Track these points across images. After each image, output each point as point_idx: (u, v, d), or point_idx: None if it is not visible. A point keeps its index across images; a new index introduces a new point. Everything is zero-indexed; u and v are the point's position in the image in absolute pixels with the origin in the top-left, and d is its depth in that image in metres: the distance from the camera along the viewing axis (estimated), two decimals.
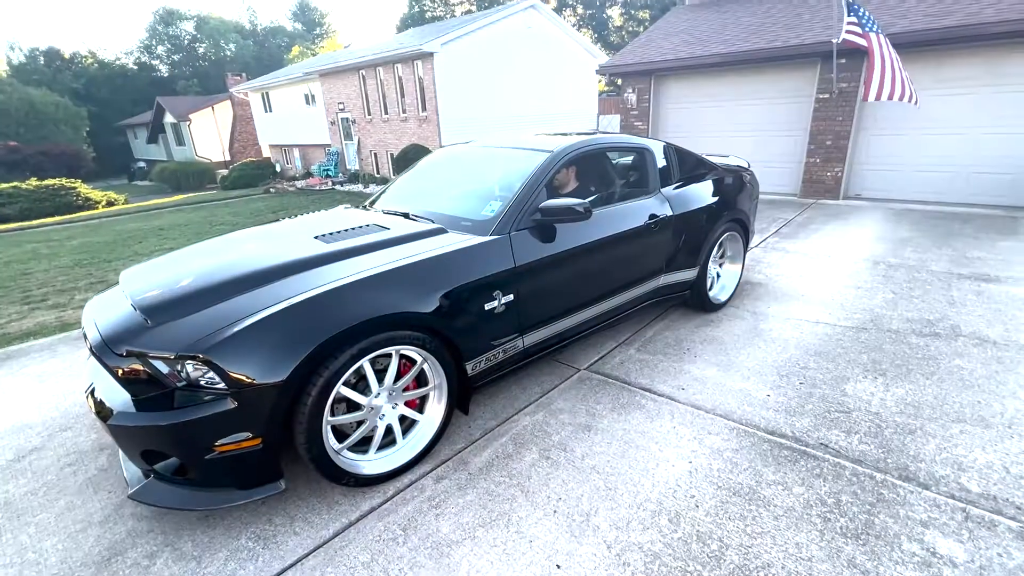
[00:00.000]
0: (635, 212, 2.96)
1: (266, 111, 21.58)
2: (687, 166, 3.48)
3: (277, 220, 3.03)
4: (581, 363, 3.04)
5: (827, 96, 7.49)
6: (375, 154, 16.36)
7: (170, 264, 2.30)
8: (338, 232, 2.40)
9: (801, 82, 7.84)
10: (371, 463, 2.01)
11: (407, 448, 2.12)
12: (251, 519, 1.89)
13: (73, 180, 15.54)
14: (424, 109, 13.93)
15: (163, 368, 1.71)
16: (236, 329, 1.71)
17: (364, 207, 3.13)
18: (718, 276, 3.81)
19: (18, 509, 2.00)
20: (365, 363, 1.91)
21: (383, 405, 2.04)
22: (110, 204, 15.98)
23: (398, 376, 2.06)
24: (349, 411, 1.97)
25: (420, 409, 2.19)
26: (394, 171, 14.31)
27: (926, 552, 1.64)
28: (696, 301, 3.58)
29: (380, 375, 2.01)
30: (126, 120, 33.78)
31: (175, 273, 2.12)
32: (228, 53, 45.37)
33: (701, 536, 1.74)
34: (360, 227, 2.48)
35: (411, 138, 14.49)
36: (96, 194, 15.59)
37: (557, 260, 2.51)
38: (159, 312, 1.82)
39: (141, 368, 1.73)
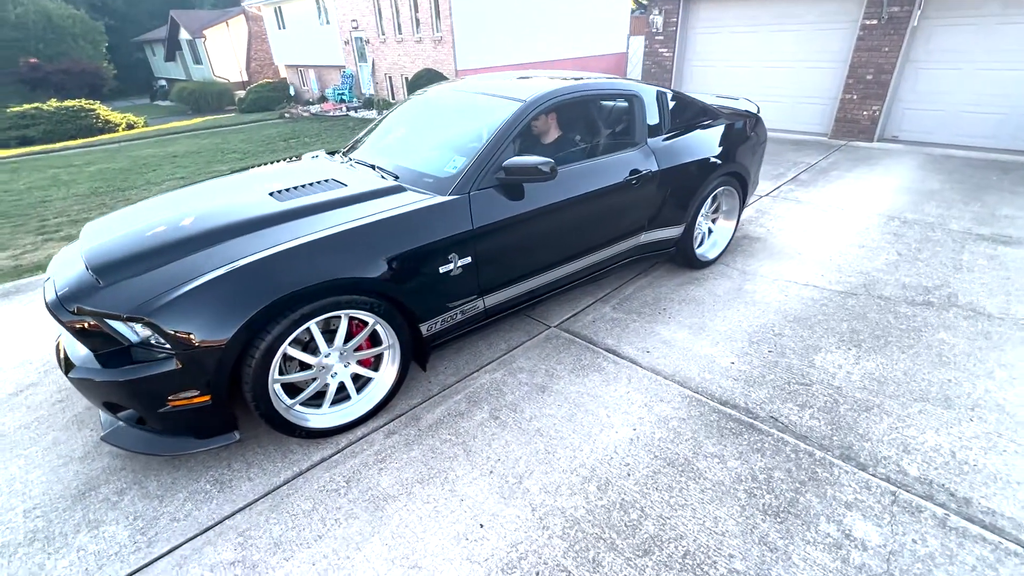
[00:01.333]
0: (615, 167, 2.81)
1: (279, 28, 20.67)
2: (683, 115, 3.24)
3: (287, 153, 2.98)
4: (553, 319, 3.05)
5: (875, 22, 6.70)
6: (390, 77, 15.71)
7: (127, 220, 2.32)
8: (294, 188, 2.37)
9: (849, 3, 7.00)
10: (320, 417, 2.11)
11: (360, 404, 2.22)
12: (213, 463, 2.05)
13: (92, 102, 15.51)
14: (438, 29, 13.10)
15: (116, 326, 1.78)
16: (178, 293, 1.75)
17: (341, 153, 3.05)
18: (709, 232, 3.67)
19: (12, 441, 2.21)
20: (312, 325, 1.95)
21: (334, 364, 2.11)
22: (130, 127, 16.02)
23: (350, 337, 2.11)
24: (301, 369, 2.05)
25: (375, 367, 2.26)
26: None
27: (840, 534, 1.68)
28: (682, 259, 3.48)
29: (331, 335, 2.07)
30: (143, 35, 32.88)
31: (130, 230, 2.14)
32: None
33: (624, 505, 1.81)
34: (316, 183, 2.43)
35: (425, 61, 13.78)
36: (116, 116, 15.60)
37: (522, 220, 2.43)
38: (109, 272, 1.87)
39: (96, 324, 1.81)
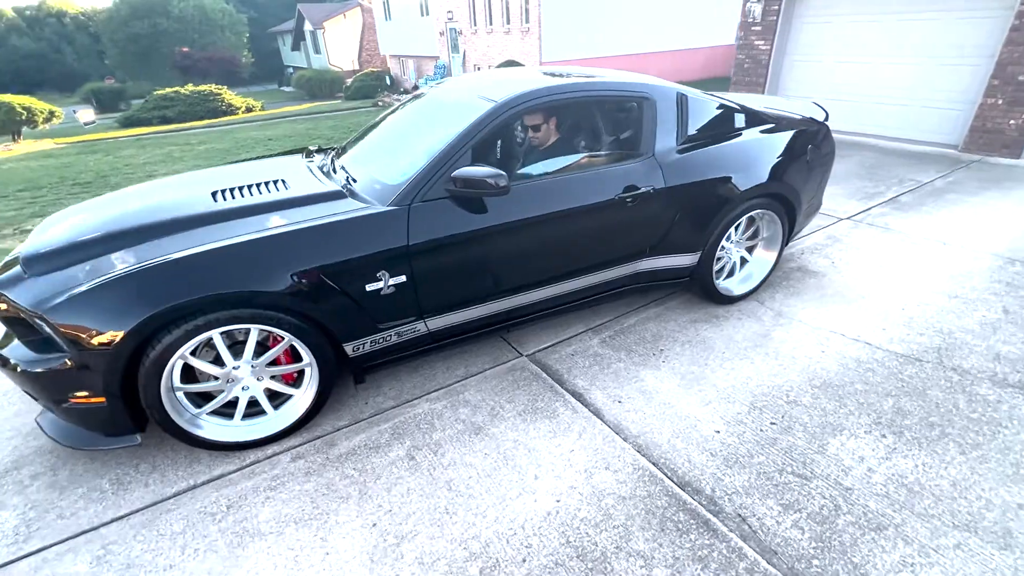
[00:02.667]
0: (605, 182, 2.40)
1: (386, 19, 21.70)
2: (714, 122, 2.71)
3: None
4: (528, 346, 2.72)
5: None
6: (478, 68, 15.78)
7: (79, 212, 2.37)
8: (236, 189, 2.28)
9: None
10: (220, 429, 2.00)
11: (275, 421, 2.09)
12: (125, 461, 2.04)
13: (220, 87, 17.41)
14: (527, 20, 12.85)
15: (31, 319, 1.81)
16: (74, 292, 1.72)
17: (328, 153, 2.93)
18: (742, 263, 3.08)
19: None
20: (216, 336, 1.85)
21: (245, 377, 2.00)
22: (248, 110, 17.77)
23: (266, 350, 1.99)
24: (208, 379, 1.96)
25: (297, 384, 2.13)
26: None
27: None
28: (700, 291, 2.96)
29: (241, 347, 1.96)
30: (277, 27, 36.40)
31: (72, 224, 2.18)
32: None
33: None
34: (262, 184, 2.32)
35: (512, 53, 13.63)
36: (237, 100, 17.38)
37: (477, 238, 2.15)
38: (33, 265, 1.90)
39: (16, 314, 1.85)
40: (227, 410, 2.05)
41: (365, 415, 2.27)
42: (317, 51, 29.80)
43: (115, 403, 1.81)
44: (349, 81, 22.81)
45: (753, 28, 7.84)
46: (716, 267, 2.96)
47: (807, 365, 2.49)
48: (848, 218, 4.32)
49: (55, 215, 2.47)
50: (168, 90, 16.43)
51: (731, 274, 3.06)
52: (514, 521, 1.74)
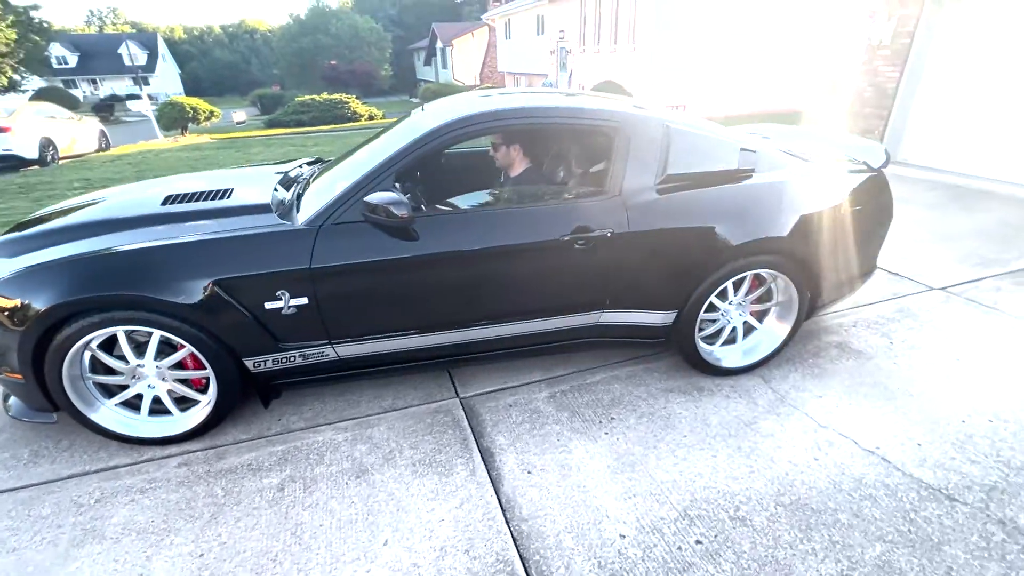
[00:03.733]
0: (554, 220, 2.11)
1: (506, 38, 22.51)
2: (704, 160, 2.28)
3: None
4: (470, 388, 2.50)
5: None
6: (583, 87, 15.64)
7: (72, 204, 2.62)
8: (187, 195, 2.37)
9: None
10: (117, 420, 2.06)
11: (177, 423, 2.12)
12: (53, 436, 2.20)
13: (349, 96, 19.28)
14: (633, 40, 12.45)
15: None
16: (5, 276, 1.89)
17: (309, 166, 2.97)
18: (748, 330, 2.56)
19: None
20: (120, 333, 1.92)
21: (150, 376, 2.05)
22: (370, 118, 19.44)
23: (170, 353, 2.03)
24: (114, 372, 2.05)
25: (205, 390, 2.14)
26: None
27: None
28: (683, 356, 2.50)
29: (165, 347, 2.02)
30: (415, 44, 39.68)
31: (61, 216, 2.42)
32: None
33: None
34: (210, 192, 2.39)
35: (614, 73, 13.29)
36: (362, 108, 19.11)
37: (391, 268, 2.01)
38: (4, 247, 2.14)
39: None
40: (137, 403, 2.13)
41: (269, 432, 2.22)
42: (444, 66, 31.90)
43: (31, 382, 1.95)
44: None
45: (880, 52, 6.73)
46: (710, 330, 2.49)
47: (785, 473, 1.96)
48: (942, 288, 3.43)
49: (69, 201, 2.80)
50: (306, 97, 18.62)
51: (731, 341, 2.56)
52: None
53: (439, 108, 2.40)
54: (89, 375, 1.99)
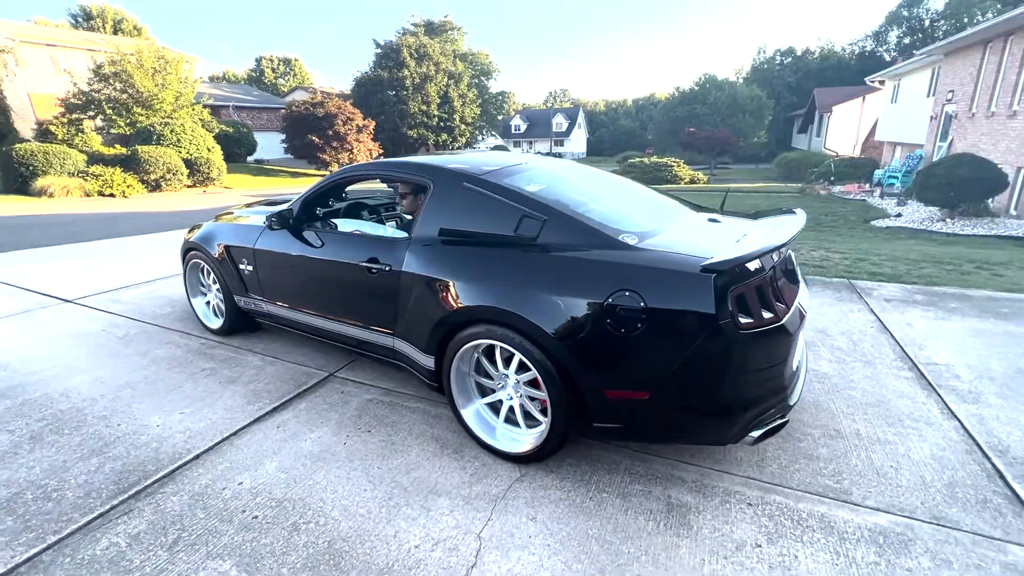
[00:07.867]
0: (361, 247, 2.61)
1: (892, 102, 18.54)
2: (482, 219, 2.26)
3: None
4: (325, 371, 3.14)
5: None
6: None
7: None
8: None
9: None
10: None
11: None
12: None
13: (676, 160, 20.18)
14: None
15: None
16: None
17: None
18: (528, 417, 2.22)
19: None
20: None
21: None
22: (692, 182, 19.76)
23: None
24: None
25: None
26: (926, 195, 9.53)
27: None
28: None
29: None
30: (797, 111, 36.71)
31: None
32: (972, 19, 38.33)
33: None
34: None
35: (1004, 145, 9.36)
36: (684, 172, 19.69)
37: (292, 260, 2.95)
38: None
39: None
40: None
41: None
42: (818, 134, 28.40)
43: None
44: (817, 168, 20.98)
45: None
46: (486, 399, 2.35)
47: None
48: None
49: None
50: (635, 160, 20.63)
51: (516, 423, 2.28)
52: None
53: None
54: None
